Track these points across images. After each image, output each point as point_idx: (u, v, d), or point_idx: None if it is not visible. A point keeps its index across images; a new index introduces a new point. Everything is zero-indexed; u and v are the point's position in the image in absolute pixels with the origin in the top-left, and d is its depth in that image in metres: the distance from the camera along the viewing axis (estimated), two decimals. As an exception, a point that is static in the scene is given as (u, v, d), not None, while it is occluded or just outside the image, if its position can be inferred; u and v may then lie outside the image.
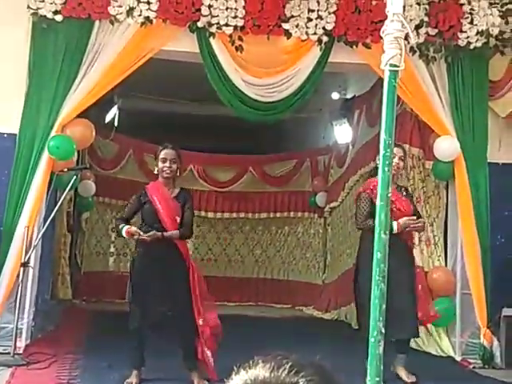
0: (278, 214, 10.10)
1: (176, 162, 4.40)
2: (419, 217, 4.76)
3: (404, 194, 4.76)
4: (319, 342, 5.99)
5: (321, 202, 9.41)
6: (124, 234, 4.30)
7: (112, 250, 9.68)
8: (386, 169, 1.80)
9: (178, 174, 4.50)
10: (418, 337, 5.07)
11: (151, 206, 4.33)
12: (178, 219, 4.34)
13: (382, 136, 1.81)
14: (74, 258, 8.40)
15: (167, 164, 4.35)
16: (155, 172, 4.48)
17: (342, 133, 8.66)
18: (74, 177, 5.12)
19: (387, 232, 1.77)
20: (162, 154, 4.38)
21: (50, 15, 5.21)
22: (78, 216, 8.44)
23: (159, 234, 4.24)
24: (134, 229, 4.28)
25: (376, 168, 4.57)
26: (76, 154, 5.89)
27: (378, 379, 1.71)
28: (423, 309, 4.76)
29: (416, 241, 6.15)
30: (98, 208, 9.22)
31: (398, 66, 1.83)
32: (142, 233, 4.24)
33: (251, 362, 0.89)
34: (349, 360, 4.19)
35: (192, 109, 9.45)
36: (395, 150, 4.11)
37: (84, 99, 5.26)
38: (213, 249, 10.07)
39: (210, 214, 9.89)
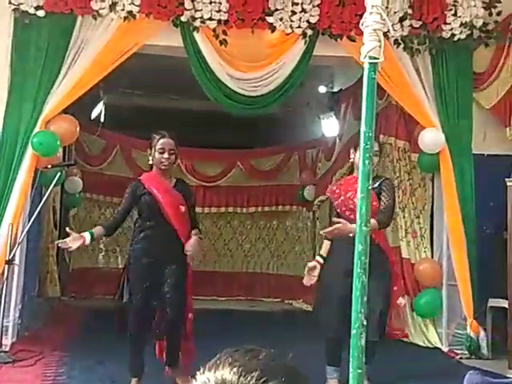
0: (266, 208, 10.10)
1: (174, 152, 4.04)
2: (385, 211, 4.09)
3: (376, 185, 4.12)
4: (308, 335, 6.00)
5: (309, 196, 9.42)
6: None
7: (101, 246, 9.64)
8: (367, 162, 1.79)
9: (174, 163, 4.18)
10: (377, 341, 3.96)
11: (151, 198, 3.96)
12: (183, 208, 4.02)
13: (362, 128, 1.80)
14: (61, 255, 8.36)
15: (165, 155, 3.99)
16: (150, 162, 4.08)
17: (330, 126, 8.66)
18: (59, 173, 5.09)
19: (368, 224, 1.77)
20: (159, 144, 3.99)
21: (31, 10, 5.17)
22: (65, 212, 8.39)
23: None
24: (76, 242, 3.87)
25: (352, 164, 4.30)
26: (62, 150, 5.88)
27: (359, 371, 1.71)
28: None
29: (401, 234, 6.17)
30: (85, 204, 9.18)
31: (378, 59, 1.82)
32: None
33: (218, 361, 0.85)
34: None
35: (178, 103, 9.41)
36: None
37: (67, 95, 5.22)
38: (201, 244, 10.05)
39: (198, 209, 9.84)
